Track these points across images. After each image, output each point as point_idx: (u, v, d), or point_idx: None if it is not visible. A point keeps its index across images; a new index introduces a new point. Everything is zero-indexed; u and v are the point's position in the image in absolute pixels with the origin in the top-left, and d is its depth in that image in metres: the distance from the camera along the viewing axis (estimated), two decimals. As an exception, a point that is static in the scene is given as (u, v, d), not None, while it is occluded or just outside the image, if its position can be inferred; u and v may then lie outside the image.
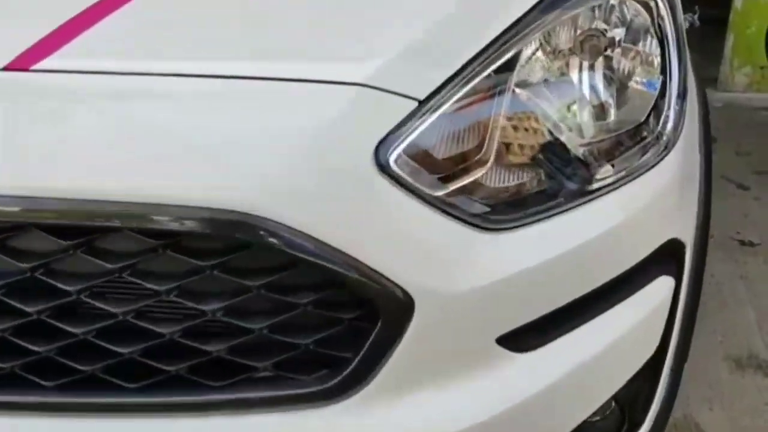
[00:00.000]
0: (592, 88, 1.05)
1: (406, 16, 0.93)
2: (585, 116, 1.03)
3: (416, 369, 0.87)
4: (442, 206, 0.85)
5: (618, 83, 1.07)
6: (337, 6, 0.94)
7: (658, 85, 1.08)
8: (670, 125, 1.06)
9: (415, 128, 0.85)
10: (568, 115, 1.02)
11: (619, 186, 0.98)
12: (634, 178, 1.00)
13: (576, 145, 1.00)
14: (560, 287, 0.93)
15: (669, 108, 1.07)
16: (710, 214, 1.26)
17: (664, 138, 1.05)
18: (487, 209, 0.88)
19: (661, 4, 1.09)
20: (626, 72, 1.08)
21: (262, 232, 0.78)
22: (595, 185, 0.97)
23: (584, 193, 0.96)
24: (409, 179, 0.83)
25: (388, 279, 0.81)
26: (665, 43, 1.09)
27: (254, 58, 0.85)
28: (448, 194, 0.86)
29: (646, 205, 1.01)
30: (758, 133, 3.50)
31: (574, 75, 1.04)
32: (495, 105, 0.92)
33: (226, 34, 0.88)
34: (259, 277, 0.81)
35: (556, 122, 0.99)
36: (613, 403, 1.11)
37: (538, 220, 0.91)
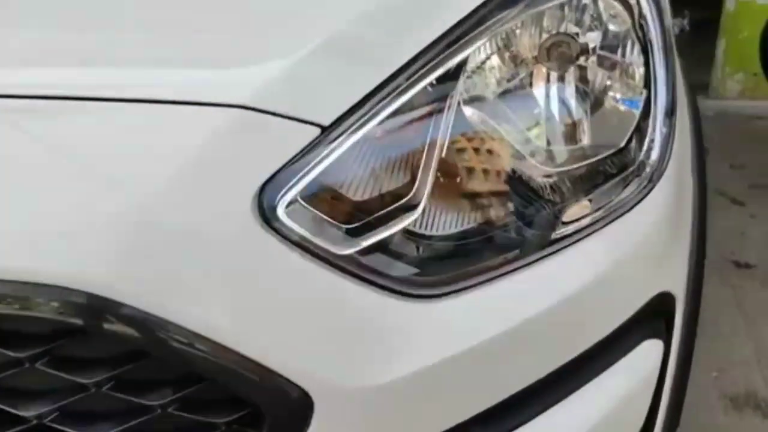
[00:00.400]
0: (561, 104, 0.84)
1: (313, 16, 0.71)
2: (551, 140, 0.82)
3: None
4: (353, 269, 0.63)
5: (592, 99, 0.86)
6: (230, 7, 0.72)
7: (641, 103, 0.87)
8: (655, 152, 0.85)
9: (317, 164, 0.64)
10: (530, 137, 0.81)
11: (593, 231, 0.77)
12: (612, 221, 0.79)
13: (539, 177, 0.79)
14: (518, 367, 0.72)
15: (654, 130, 0.86)
16: (705, 255, 1.05)
17: (648, 168, 0.84)
18: (415, 270, 0.66)
19: (644, 3, 0.88)
20: (602, 86, 0.87)
21: (92, 316, 0.57)
22: (563, 231, 0.76)
23: (548, 243, 0.75)
24: (306, 233, 0.62)
25: (274, 373, 0.60)
26: (650, 50, 0.88)
27: (91, 73, 0.63)
28: (362, 252, 0.64)
29: (628, 255, 0.80)
30: (753, 144, 3.34)
31: (538, 88, 0.83)
32: (432, 127, 0.71)
33: (68, 40, 0.66)
34: (100, 370, 0.59)
35: (515, 147, 0.78)
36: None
37: (487, 282, 0.69)
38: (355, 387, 0.62)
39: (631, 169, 0.84)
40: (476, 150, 0.77)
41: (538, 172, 0.79)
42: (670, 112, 0.89)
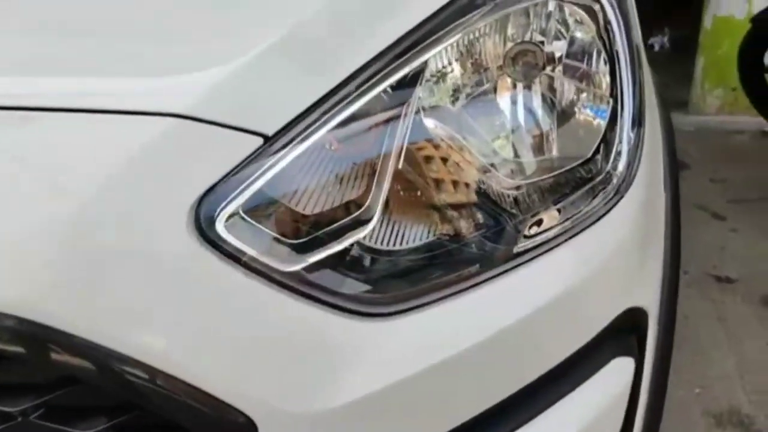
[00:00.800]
0: (527, 114, 0.81)
1: (259, 20, 0.68)
2: (518, 151, 0.79)
3: None
4: (298, 286, 0.59)
5: (559, 109, 0.83)
6: (168, 11, 0.69)
7: (608, 113, 0.85)
8: (622, 163, 0.82)
9: (260, 175, 0.60)
10: (495, 149, 0.78)
11: (560, 243, 0.74)
12: (579, 232, 0.76)
13: (503, 190, 0.76)
14: (481, 386, 0.68)
15: (621, 140, 0.84)
16: (679, 270, 1.02)
17: (615, 179, 0.81)
18: (368, 287, 0.63)
19: (609, 11, 0.86)
20: (569, 95, 0.84)
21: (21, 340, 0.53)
22: (527, 244, 0.73)
23: (511, 257, 0.71)
24: (248, 249, 0.58)
25: (215, 398, 0.56)
26: (615, 59, 0.86)
27: (24, 81, 0.59)
28: (309, 268, 0.60)
29: (596, 267, 0.77)
30: (732, 159, 3.35)
31: (503, 98, 0.80)
32: (387, 137, 0.68)
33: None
34: (27, 398, 0.55)
35: (479, 159, 0.75)
36: None
37: (445, 298, 0.66)
38: (303, 412, 0.58)
39: (598, 179, 0.81)
40: (437, 161, 0.74)
41: (503, 183, 0.76)
42: (638, 123, 0.87)
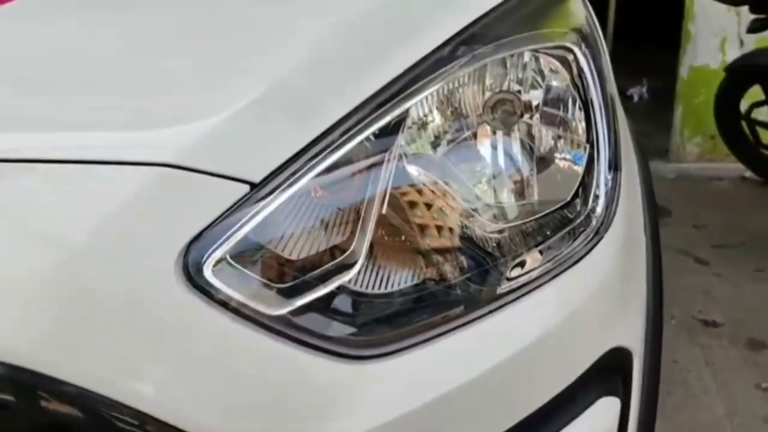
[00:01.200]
0: (508, 161, 0.84)
1: (244, 72, 0.70)
2: (499, 196, 0.81)
3: None
4: (285, 330, 0.60)
5: (538, 155, 0.86)
6: (155, 63, 0.71)
7: (585, 158, 0.87)
8: (600, 204, 0.85)
9: (247, 221, 0.62)
10: (477, 194, 0.80)
11: (542, 284, 0.76)
12: (560, 273, 0.77)
13: (486, 234, 0.78)
14: (464, 428, 0.68)
15: (598, 184, 0.86)
16: (662, 308, 1.03)
17: (594, 221, 0.84)
18: (352, 330, 0.64)
19: (582, 60, 0.89)
20: (547, 142, 0.87)
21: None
22: (510, 285, 0.75)
23: (495, 298, 0.73)
24: (234, 294, 0.59)
25: None
26: (590, 106, 0.89)
27: (12, 135, 0.61)
28: (294, 312, 0.61)
29: (578, 308, 0.78)
30: (714, 205, 3.40)
31: (484, 145, 0.82)
32: (370, 183, 0.70)
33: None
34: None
35: (461, 204, 0.76)
36: None
37: (430, 340, 0.67)
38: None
39: (578, 221, 0.83)
40: (421, 207, 0.75)
41: (486, 228, 0.78)
42: (614, 167, 0.89)
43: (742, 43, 3.64)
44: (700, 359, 2.24)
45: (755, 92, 3.38)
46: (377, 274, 0.69)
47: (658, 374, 0.97)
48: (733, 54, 3.59)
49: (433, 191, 0.75)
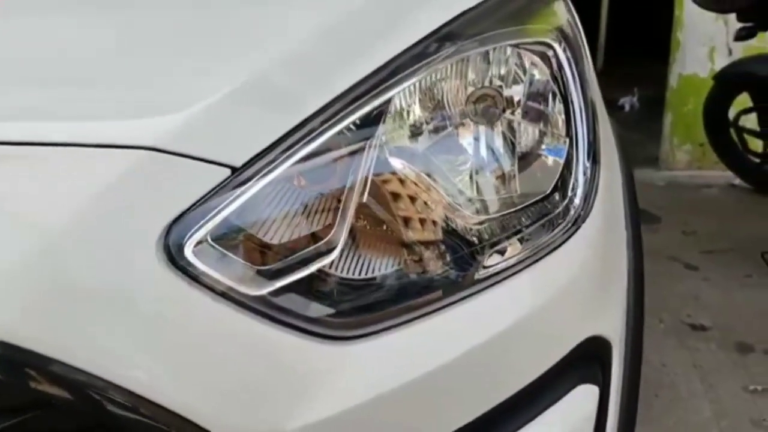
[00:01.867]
0: (489, 155, 0.85)
1: (228, 60, 0.72)
2: (481, 190, 0.83)
3: None
4: (265, 310, 0.62)
5: (519, 149, 0.87)
6: (141, 51, 0.73)
7: (565, 150, 0.89)
8: (579, 195, 0.87)
9: (227, 204, 0.63)
10: (459, 187, 0.81)
11: (518, 272, 0.77)
12: (537, 261, 0.79)
13: (465, 225, 0.79)
14: (443, 409, 0.70)
15: (577, 176, 0.88)
16: (644, 303, 1.05)
17: (573, 211, 0.85)
18: (331, 311, 0.65)
19: (561, 55, 0.91)
20: (528, 135, 0.89)
21: None
22: (488, 271, 0.76)
23: (471, 283, 0.74)
24: (215, 273, 0.61)
25: (182, 418, 0.57)
26: (570, 101, 0.91)
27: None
28: (274, 293, 0.63)
29: (554, 295, 0.79)
30: (703, 212, 3.42)
31: (466, 139, 0.84)
32: (350, 172, 0.71)
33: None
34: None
35: (443, 197, 0.78)
36: None
37: (408, 322, 0.68)
38: (264, 430, 0.60)
39: (556, 211, 0.85)
40: (404, 199, 0.77)
41: (467, 220, 0.79)
42: (593, 160, 0.91)
43: (730, 51, 3.68)
44: (688, 362, 2.25)
45: (743, 100, 3.42)
46: (358, 260, 0.71)
47: (639, 364, 0.99)
48: (721, 63, 3.62)
49: (415, 183, 0.77)
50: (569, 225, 0.84)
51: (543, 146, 0.90)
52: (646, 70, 4.82)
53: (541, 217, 0.83)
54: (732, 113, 3.48)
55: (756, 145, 3.48)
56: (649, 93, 4.75)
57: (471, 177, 0.83)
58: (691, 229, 3.20)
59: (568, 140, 0.91)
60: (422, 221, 0.77)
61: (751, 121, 3.43)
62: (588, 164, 0.91)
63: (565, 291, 0.81)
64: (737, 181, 3.70)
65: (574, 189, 0.87)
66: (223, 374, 0.60)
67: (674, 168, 3.96)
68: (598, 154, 0.93)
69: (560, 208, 0.85)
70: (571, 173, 0.89)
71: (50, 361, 0.56)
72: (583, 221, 0.85)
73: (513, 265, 0.77)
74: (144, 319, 0.58)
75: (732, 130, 3.50)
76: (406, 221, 0.76)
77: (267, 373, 0.61)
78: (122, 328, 0.58)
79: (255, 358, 0.61)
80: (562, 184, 0.87)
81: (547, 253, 0.79)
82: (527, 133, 0.89)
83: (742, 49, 3.54)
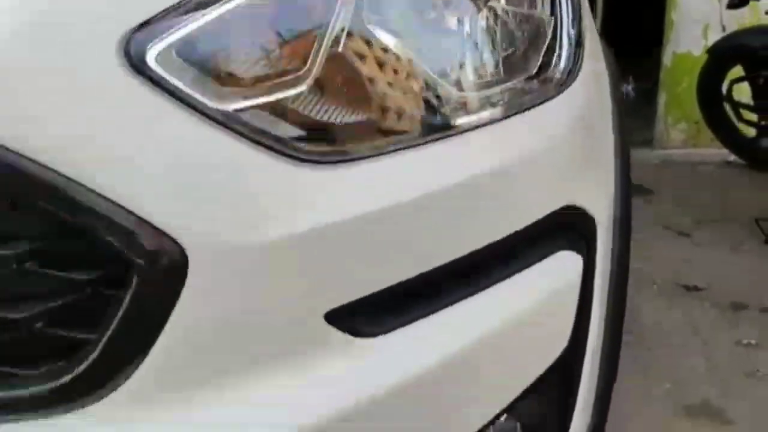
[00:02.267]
0: (475, 36, 0.83)
1: None
2: (465, 75, 0.81)
3: (203, 356, 0.60)
4: (233, 125, 0.60)
5: (505, 28, 0.86)
6: None
7: (550, 29, 0.88)
8: (562, 65, 0.86)
9: (196, 18, 0.61)
10: (444, 68, 0.79)
11: (494, 121, 0.76)
12: (517, 113, 0.78)
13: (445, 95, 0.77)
14: (414, 247, 0.68)
15: (561, 50, 0.87)
16: (630, 204, 1.03)
17: (555, 79, 0.84)
18: (302, 133, 0.63)
19: None
20: (513, 16, 0.87)
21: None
22: (468, 120, 0.74)
23: (448, 127, 0.72)
24: (179, 84, 0.59)
25: (145, 221, 0.55)
26: None
27: None
28: (241, 110, 0.61)
29: (534, 152, 0.78)
30: (697, 186, 3.42)
31: (452, 23, 0.82)
32: (328, 13, 0.69)
33: None
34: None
35: (430, 75, 0.76)
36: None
37: (381, 155, 0.67)
38: (235, 241, 0.58)
39: (539, 78, 0.84)
40: (387, 68, 0.74)
41: (450, 92, 0.77)
42: (576, 42, 0.90)
43: (724, 28, 3.68)
44: (683, 320, 2.24)
45: (735, 71, 3.41)
46: (329, 105, 0.68)
47: (628, 243, 0.97)
48: (715, 40, 3.62)
49: (398, 56, 0.74)
50: (551, 88, 0.82)
51: (528, 25, 0.89)
52: (641, 60, 4.81)
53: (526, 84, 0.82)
54: (726, 87, 3.48)
55: (750, 116, 3.47)
56: (644, 84, 4.74)
57: (458, 61, 0.81)
58: (685, 201, 3.20)
59: (552, 18, 0.90)
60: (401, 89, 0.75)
61: (744, 92, 3.42)
62: (572, 44, 0.90)
63: (547, 150, 0.79)
64: (732, 158, 3.69)
65: (557, 60, 0.86)
66: (190, 184, 0.58)
67: (669, 147, 3.95)
68: (582, 38, 0.92)
69: (543, 77, 0.84)
70: (555, 49, 0.88)
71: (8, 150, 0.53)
72: (566, 88, 0.84)
73: (490, 115, 0.75)
74: (104, 119, 0.56)
75: (726, 104, 3.49)
76: (389, 85, 0.74)
77: (236, 186, 0.59)
78: (82, 127, 0.55)
79: (223, 172, 0.59)
80: (546, 61, 0.86)
81: (529, 107, 0.78)
82: (511, 14, 0.88)
83: (736, 25, 3.54)
